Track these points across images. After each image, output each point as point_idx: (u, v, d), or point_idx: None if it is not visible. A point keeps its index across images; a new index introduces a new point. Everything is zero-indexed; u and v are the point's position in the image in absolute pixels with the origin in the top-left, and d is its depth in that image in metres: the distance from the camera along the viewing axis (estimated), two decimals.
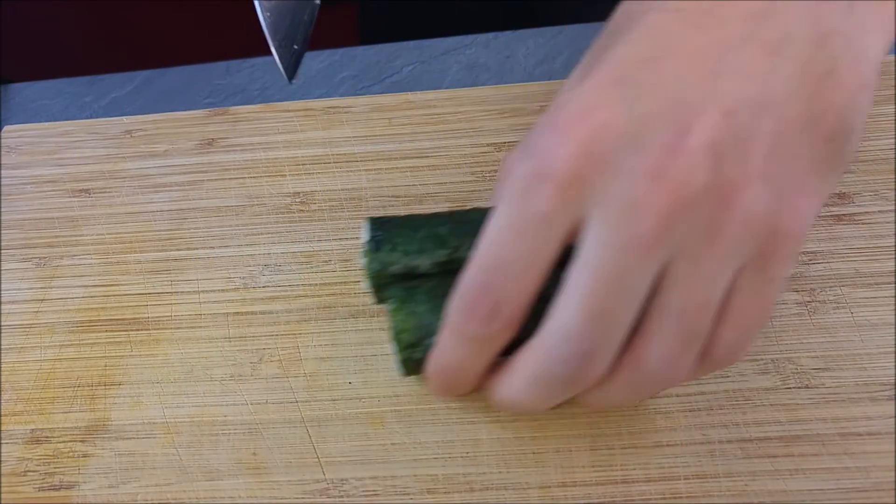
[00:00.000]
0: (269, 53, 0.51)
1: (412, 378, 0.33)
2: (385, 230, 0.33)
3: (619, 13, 0.26)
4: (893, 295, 0.34)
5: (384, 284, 0.33)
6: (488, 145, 0.41)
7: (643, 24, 0.23)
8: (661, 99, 0.22)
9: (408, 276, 0.32)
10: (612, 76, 0.22)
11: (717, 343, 0.24)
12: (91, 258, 0.39)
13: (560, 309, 0.23)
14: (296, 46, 0.30)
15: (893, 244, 0.35)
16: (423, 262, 0.32)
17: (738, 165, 0.21)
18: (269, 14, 0.29)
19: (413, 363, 0.30)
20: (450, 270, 0.32)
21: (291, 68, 0.29)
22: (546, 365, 0.24)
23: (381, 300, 0.34)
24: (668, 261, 0.22)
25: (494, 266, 0.24)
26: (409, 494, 0.30)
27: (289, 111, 0.44)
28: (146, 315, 0.37)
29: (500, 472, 0.31)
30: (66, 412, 0.34)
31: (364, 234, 0.33)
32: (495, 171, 0.40)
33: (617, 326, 0.23)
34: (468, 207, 0.34)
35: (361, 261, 0.34)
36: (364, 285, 0.34)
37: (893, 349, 0.32)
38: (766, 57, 0.22)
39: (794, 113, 0.22)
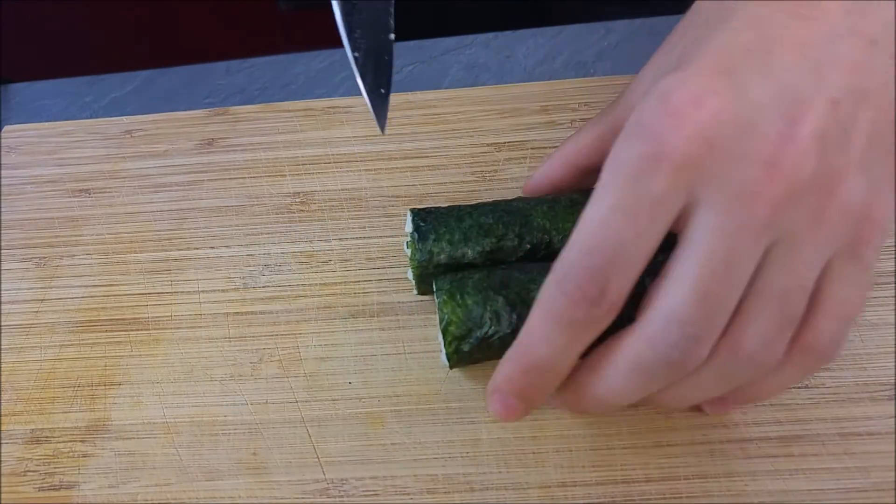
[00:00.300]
0: (270, 53, 0.51)
1: (456, 371, 0.33)
2: (429, 221, 0.33)
3: (707, 3, 0.26)
4: (893, 295, 0.34)
5: (429, 275, 0.33)
6: (488, 145, 0.41)
7: (746, 14, 0.24)
8: (771, 88, 0.22)
9: (453, 266, 0.32)
10: (719, 64, 0.23)
11: (815, 333, 0.24)
12: (91, 258, 0.39)
13: (668, 293, 0.23)
14: (382, 90, 0.30)
15: (893, 244, 0.35)
16: (469, 252, 0.32)
17: (841, 154, 0.22)
18: (357, 55, 0.28)
19: (460, 356, 0.31)
20: (496, 260, 0.32)
21: (383, 116, 0.29)
22: (652, 351, 0.24)
23: (424, 291, 0.35)
24: (770, 245, 0.23)
25: (602, 248, 0.23)
26: (409, 494, 0.30)
27: (289, 111, 0.44)
28: (146, 315, 0.37)
29: (500, 472, 0.31)
30: (66, 412, 0.34)
31: (407, 226, 0.34)
32: (495, 170, 0.40)
33: (723, 311, 0.23)
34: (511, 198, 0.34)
35: (406, 251, 0.34)
36: (409, 276, 0.34)
37: (893, 349, 0.32)
38: (866, 48, 0.23)
39: (888, 104, 0.23)
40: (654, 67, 0.28)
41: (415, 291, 0.35)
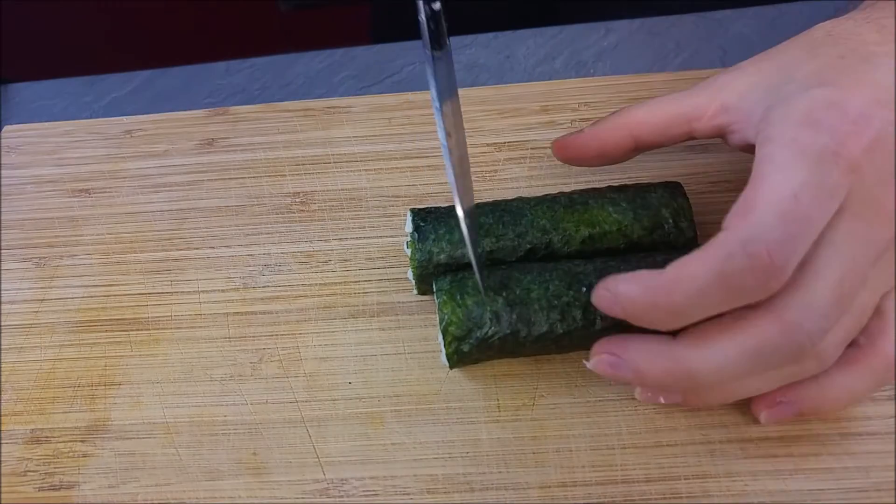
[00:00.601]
0: (269, 53, 0.51)
1: (456, 371, 0.33)
2: (429, 221, 0.33)
3: (835, 29, 0.29)
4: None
5: (429, 275, 0.33)
6: (488, 145, 0.41)
7: (888, 58, 0.27)
8: None
9: (453, 266, 0.33)
10: (880, 97, 0.26)
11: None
12: (91, 258, 0.39)
13: (808, 286, 0.25)
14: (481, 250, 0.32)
15: None
16: (469, 252, 0.32)
17: None
18: (468, 225, 0.30)
19: (460, 356, 0.31)
20: (496, 260, 0.32)
21: (484, 279, 0.31)
22: (782, 336, 0.25)
23: (424, 291, 0.35)
24: None
25: (799, 219, 0.24)
26: (409, 494, 0.30)
27: (289, 111, 0.44)
28: (146, 315, 0.37)
29: (500, 472, 0.31)
30: (66, 412, 0.34)
31: (407, 226, 0.34)
32: (495, 170, 0.40)
33: (851, 313, 0.25)
34: (511, 198, 0.34)
35: (406, 251, 0.34)
36: (409, 276, 0.34)
37: None
38: None
39: None
40: (769, 70, 0.29)
41: (415, 291, 0.35)
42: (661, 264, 0.26)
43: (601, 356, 0.28)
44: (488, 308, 0.30)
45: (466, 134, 0.42)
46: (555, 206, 0.33)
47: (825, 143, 0.25)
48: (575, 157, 0.35)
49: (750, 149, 0.28)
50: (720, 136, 0.31)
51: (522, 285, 0.30)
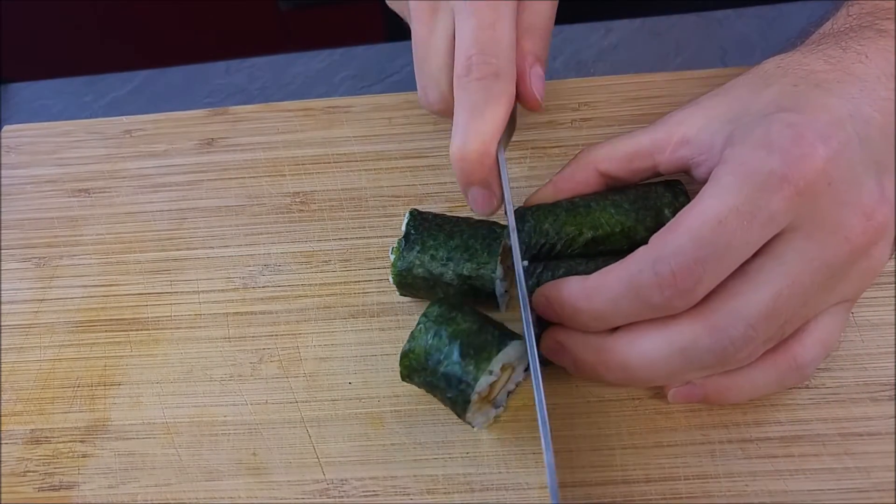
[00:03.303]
0: (269, 53, 0.51)
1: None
2: (419, 231, 0.33)
3: (776, 64, 0.31)
4: (893, 295, 0.34)
5: (407, 284, 0.33)
6: None
7: (848, 87, 0.28)
8: (868, 154, 0.27)
9: (430, 281, 0.33)
10: (835, 119, 0.27)
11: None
12: (91, 258, 0.39)
13: (744, 295, 0.25)
14: None
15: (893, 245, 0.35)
16: (448, 272, 0.32)
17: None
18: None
19: (410, 381, 0.31)
20: (472, 287, 0.32)
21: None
22: (710, 339, 0.26)
23: (404, 294, 0.35)
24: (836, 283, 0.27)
25: (713, 243, 0.25)
26: (409, 494, 0.30)
27: (289, 111, 0.44)
28: (146, 315, 0.37)
29: (500, 472, 0.31)
30: (65, 412, 0.34)
31: (403, 226, 0.34)
32: None
33: (785, 326, 0.26)
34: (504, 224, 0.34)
35: (391, 256, 0.34)
36: (389, 279, 0.34)
37: (893, 349, 0.32)
38: None
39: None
40: (725, 103, 0.30)
41: (397, 293, 0.35)
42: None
43: (547, 342, 0.30)
44: (450, 349, 0.29)
45: None
46: (556, 210, 0.33)
47: (773, 168, 0.25)
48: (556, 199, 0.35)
49: None
50: (685, 171, 0.32)
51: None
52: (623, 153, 0.32)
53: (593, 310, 0.27)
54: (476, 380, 0.28)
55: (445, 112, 0.33)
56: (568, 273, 0.31)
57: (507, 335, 0.30)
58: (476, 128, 0.30)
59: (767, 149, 0.26)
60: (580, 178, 0.33)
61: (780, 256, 0.26)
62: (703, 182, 0.31)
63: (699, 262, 0.25)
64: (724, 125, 0.29)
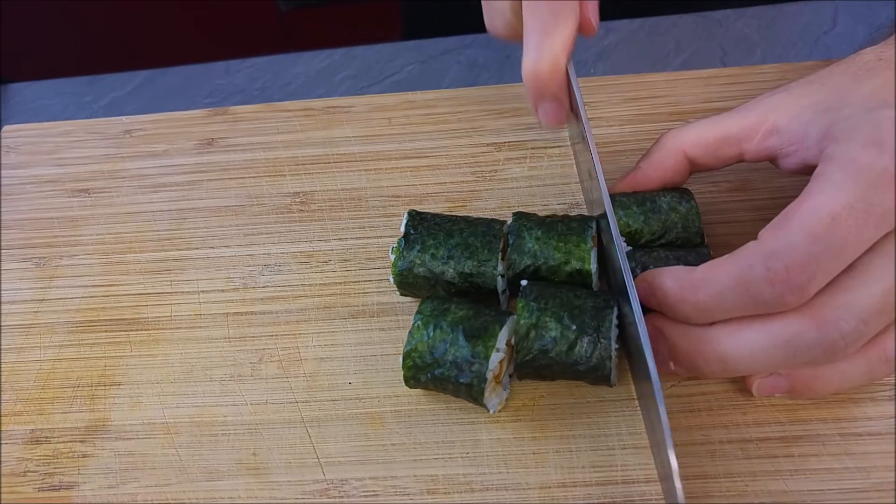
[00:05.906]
0: (270, 53, 0.51)
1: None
2: (419, 230, 0.33)
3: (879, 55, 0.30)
4: None
5: (408, 284, 0.33)
6: (488, 145, 0.41)
7: None
8: None
9: (431, 280, 0.33)
10: None
11: None
12: (91, 258, 0.39)
13: (854, 290, 0.25)
14: None
15: None
16: (449, 270, 0.32)
17: None
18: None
19: (416, 382, 0.31)
20: (473, 284, 0.32)
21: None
22: (817, 333, 0.25)
23: (405, 294, 0.35)
24: None
25: (827, 240, 0.25)
26: (409, 494, 0.30)
27: (289, 111, 0.44)
28: (146, 315, 0.37)
29: (500, 473, 0.31)
30: (65, 412, 0.34)
31: (402, 226, 0.34)
32: (495, 170, 0.40)
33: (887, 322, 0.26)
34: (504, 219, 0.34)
35: (391, 256, 0.34)
36: (390, 279, 0.34)
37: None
38: None
39: None
40: (819, 92, 0.30)
41: (397, 293, 0.35)
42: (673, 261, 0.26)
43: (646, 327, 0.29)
44: (455, 345, 0.30)
45: (466, 133, 0.42)
46: (550, 232, 0.33)
47: (885, 166, 0.25)
48: (640, 190, 0.35)
49: (807, 170, 0.28)
50: (770, 160, 0.31)
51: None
52: (712, 138, 0.32)
53: (699, 302, 0.27)
54: (487, 357, 0.29)
55: (511, 37, 0.35)
56: (668, 263, 0.31)
57: (503, 313, 0.31)
58: (549, 44, 0.32)
59: (879, 146, 0.25)
60: (669, 164, 0.33)
61: (888, 253, 0.25)
62: (790, 172, 0.31)
63: (813, 259, 0.24)
64: (818, 115, 0.28)
